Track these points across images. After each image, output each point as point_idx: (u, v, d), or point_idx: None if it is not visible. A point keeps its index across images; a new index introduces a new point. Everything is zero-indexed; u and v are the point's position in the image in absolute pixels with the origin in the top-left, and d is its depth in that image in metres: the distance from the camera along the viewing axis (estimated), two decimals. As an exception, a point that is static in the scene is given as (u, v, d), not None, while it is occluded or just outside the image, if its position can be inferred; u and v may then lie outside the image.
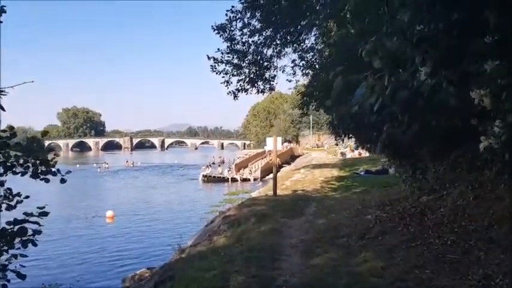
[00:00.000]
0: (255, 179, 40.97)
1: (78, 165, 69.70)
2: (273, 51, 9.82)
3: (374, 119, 9.57)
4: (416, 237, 6.69)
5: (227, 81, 10.31)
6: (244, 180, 40.73)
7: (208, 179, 41.52)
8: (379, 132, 9.68)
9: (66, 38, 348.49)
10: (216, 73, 10.10)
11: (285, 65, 10.77)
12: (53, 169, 3.89)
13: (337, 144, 41.78)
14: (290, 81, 11.29)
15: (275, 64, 10.34)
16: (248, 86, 10.58)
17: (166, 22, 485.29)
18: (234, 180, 40.71)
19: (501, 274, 4.80)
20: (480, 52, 3.59)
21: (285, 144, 58.88)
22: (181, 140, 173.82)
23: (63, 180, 3.94)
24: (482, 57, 3.45)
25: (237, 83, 10.59)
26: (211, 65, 9.91)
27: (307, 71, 10.70)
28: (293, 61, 10.45)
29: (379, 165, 22.44)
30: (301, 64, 10.45)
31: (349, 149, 46.38)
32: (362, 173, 20.38)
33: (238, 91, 10.51)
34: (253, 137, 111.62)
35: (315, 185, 17.55)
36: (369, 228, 7.67)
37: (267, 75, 10.48)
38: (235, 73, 10.07)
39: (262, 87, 10.73)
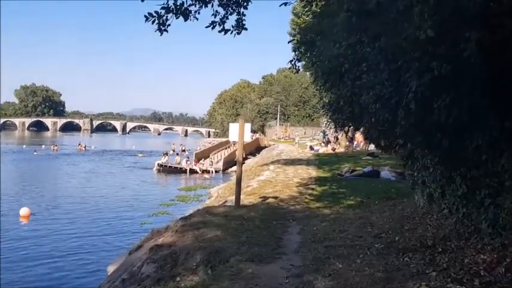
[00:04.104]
0: (216, 171, 36.66)
1: (24, 146, 63.08)
2: None
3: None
4: None
5: None
6: (204, 171, 36.29)
7: (164, 169, 36.66)
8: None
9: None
10: None
11: None
12: None
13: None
14: (286, 3, 6.25)
15: None
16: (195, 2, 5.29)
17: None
18: (192, 171, 36.14)
19: None
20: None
21: (251, 134, 54.98)
22: (144, 124, 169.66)
23: None
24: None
25: None
26: None
27: None
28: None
29: (366, 165, 18.60)
30: None
31: (320, 142, 42.77)
32: (347, 175, 16.37)
33: (171, 13, 5.10)
34: (218, 125, 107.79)
35: (291, 189, 13.38)
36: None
37: None
38: None
39: (223, 12, 5.49)
